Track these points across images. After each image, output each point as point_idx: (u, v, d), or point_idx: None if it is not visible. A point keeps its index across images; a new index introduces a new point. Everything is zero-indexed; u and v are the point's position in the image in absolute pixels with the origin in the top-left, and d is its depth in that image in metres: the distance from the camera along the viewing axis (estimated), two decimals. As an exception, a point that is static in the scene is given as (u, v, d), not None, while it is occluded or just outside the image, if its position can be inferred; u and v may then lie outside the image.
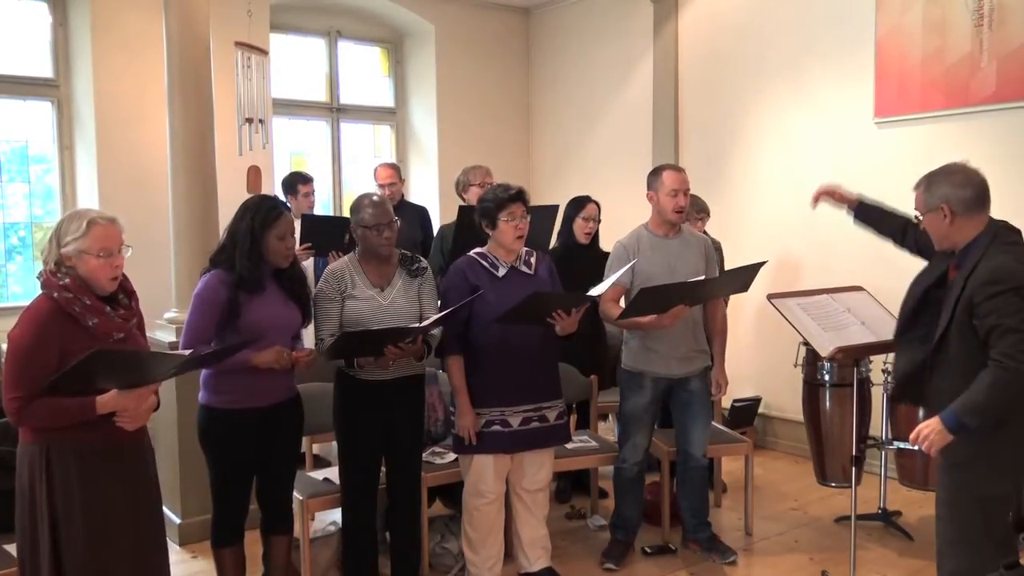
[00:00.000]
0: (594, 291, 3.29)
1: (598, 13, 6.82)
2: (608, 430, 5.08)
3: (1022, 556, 2.90)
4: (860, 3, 5.03)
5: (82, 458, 2.44)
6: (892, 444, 4.06)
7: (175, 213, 4.14)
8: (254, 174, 5.70)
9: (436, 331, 3.28)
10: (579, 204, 4.56)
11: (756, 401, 5.50)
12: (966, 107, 4.62)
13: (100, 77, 5.46)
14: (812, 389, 4.30)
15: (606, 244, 4.29)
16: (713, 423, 4.14)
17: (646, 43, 6.37)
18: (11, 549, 2.72)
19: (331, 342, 3.10)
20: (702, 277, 3.65)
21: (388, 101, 7.32)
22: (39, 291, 2.47)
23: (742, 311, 5.12)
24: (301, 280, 3.18)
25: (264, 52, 5.55)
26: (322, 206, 6.79)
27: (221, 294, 2.94)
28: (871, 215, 3.16)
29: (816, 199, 3.31)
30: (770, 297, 3.41)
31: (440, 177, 6.91)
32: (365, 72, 7.20)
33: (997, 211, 2.73)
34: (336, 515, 3.57)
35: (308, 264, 4.49)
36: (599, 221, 4.59)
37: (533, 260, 3.46)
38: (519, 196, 3.33)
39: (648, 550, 3.98)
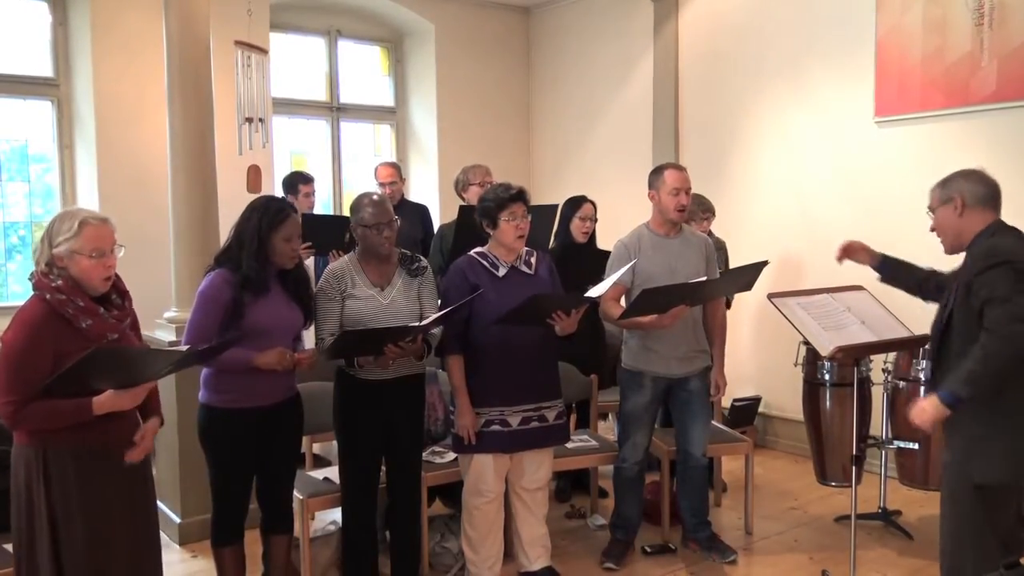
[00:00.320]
0: (594, 291, 3.29)
1: (598, 13, 6.82)
2: (608, 429, 5.08)
3: None
4: (860, 3, 5.03)
5: (79, 459, 2.43)
6: (892, 443, 4.06)
7: (175, 212, 4.14)
8: (254, 173, 5.70)
9: (436, 330, 3.28)
10: (575, 204, 4.55)
11: (756, 400, 5.50)
12: (966, 106, 4.62)
13: (100, 77, 5.46)
14: (812, 388, 4.31)
15: (605, 243, 4.29)
16: (713, 422, 4.14)
17: (646, 43, 6.37)
18: (7, 548, 2.72)
19: (331, 341, 3.10)
20: (703, 278, 3.64)
21: (388, 100, 7.32)
22: (32, 293, 2.45)
23: (742, 311, 5.13)
24: (305, 281, 3.17)
25: (264, 51, 5.55)
26: (322, 205, 6.78)
27: (225, 293, 2.93)
28: (895, 272, 3.18)
29: (841, 256, 3.30)
30: (770, 296, 3.41)
31: (440, 176, 6.91)
32: (365, 71, 7.20)
33: (997, 210, 2.74)
34: (336, 514, 3.57)
35: (308, 263, 4.49)
36: (596, 220, 4.59)
37: (533, 260, 3.46)
38: (520, 196, 3.33)
39: (648, 549, 3.98)
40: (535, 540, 3.56)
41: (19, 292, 5.54)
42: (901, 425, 4.12)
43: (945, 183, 2.81)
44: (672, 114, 6.21)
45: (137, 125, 5.55)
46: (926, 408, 2.67)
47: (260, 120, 5.38)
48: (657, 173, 3.78)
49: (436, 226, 5.29)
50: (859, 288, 3.62)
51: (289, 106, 6.67)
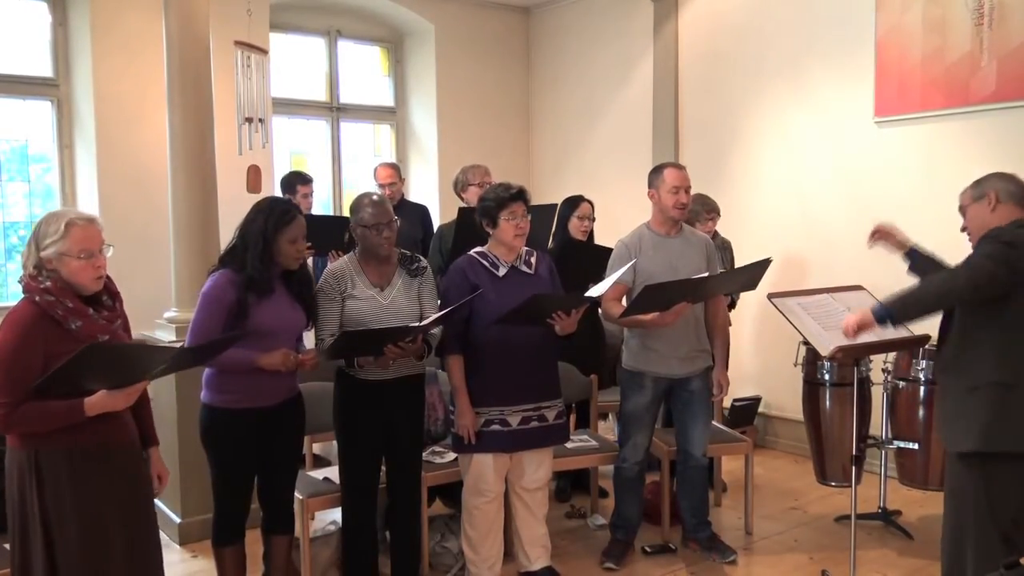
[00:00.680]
0: (594, 291, 3.29)
1: (598, 13, 6.82)
2: (608, 429, 5.08)
3: None
4: (860, 3, 5.03)
5: (72, 461, 2.40)
6: (892, 443, 4.06)
7: (175, 212, 4.14)
8: (254, 174, 5.70)
9: (436, 330, 3.28)
10: (573, 203, 4.55)
11: (756, 400, 5.50)
12: (966, 106, 4.62)
13: (100, 77, 5.47)
14: (812, 388, 4.31)
15: (604, 242, 4.29)
16: (713, 422, 4.14)
17: (646, 43, 6.37)
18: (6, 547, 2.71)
19: (331, 342, 3.10)
20: (705, 274, 3.64)
21: (388, 100, 7.32)
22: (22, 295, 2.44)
23: (742, 311, 5.12)
24: (308, 282, 3.17)
25: (264, 51, 5.55)
26: (322, 206, 6.79)
27: (229, 294, 2.93)
28: (922, 263, 3.23)
29: (872, 238, 3.34)
30: (770, 296, 3.41)
31: (440, 177, 6.90)
32: (365, 71, 7.21)
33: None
34: (336, 514, 3.57)
35: (307, 263, 4.49)
36: (594, 219, 4.59)
37: (533, 260, 3.46)
38: (520, 195, 3.33)
39: (648, 549, 3.98)
40: (535, 540, 3.56)
41: (18, 292, 5.51)
42: (901, 425, 4.12)
43: (979, 182, 2.89)
44: (672, 114, 6.21)
45: (137, 125, 5.55)
46: (853, 318, 2.90)
47: (260, 120, 5.37)
48: (657, 172, 3.78)
49: (436, 226, 5.29)
50: (859, 288, 3.62)
51: (289, 106, 6.67)
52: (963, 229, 2.94)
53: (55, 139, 5.65)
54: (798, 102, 5.44)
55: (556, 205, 4.60)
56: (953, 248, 3.15)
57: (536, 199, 4.10)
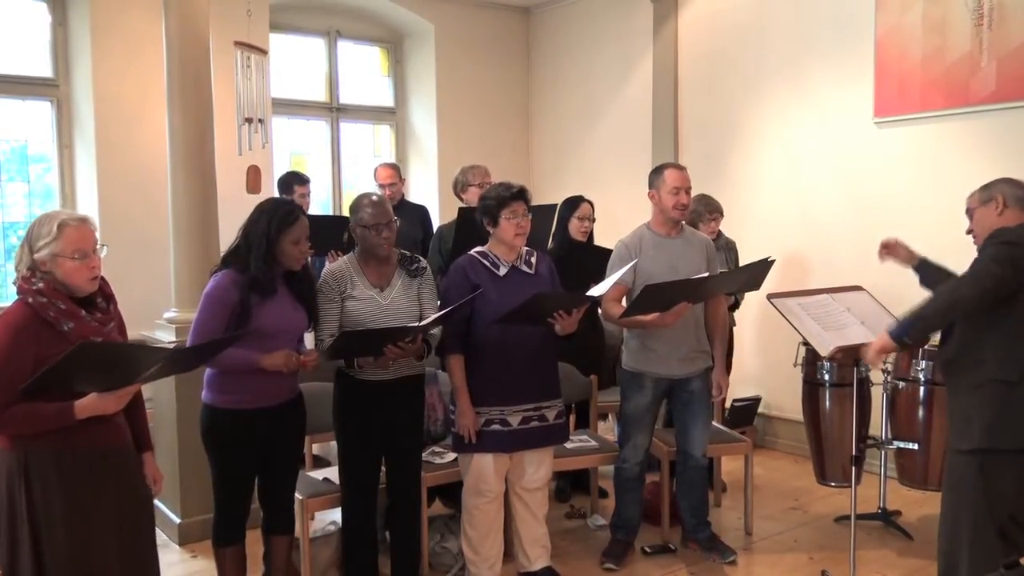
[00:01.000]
0: (595, 291, 3.29)
1: (598, 13, 6.82)
2: (608, 430, 5.08)
3: None
4: (860, 3, 5.03)
5: (62, 463, 2.38)
6: (892, 444, 4.06)
7: (175, 213, 4.13)
8: (254, 174, 5.70)
9: (436, 331, 3.28)
10: (573, 204, 4.55)
11: (756, 401, 5.50)
12: (966, 107, 4.62)
13: (100, 77, 5.47)
14: (812, 389, 4.31)
15: (605, 243, 4.29)
16: (713, 423, 4.14)
17: (646, 43, 6.37)
18: None
19: (331, 342, 3.10)
20: (705, 274, 3.64)
21: (388, 101, 7.32)
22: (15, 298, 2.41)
23: (743, 311, 5.12)
24: (310, 283, 3.17)
25: (264, 52, 5.55)
26: (321, 206, 6.79)
27: (232, 294, 2.93)
28: (933, 275, 3.23)
29: (881, 254, 3.34)
30: (770, 297, 3.42)
31: (440, 177, 6.90)
32: (365, 72, 7.21)
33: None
34: (336, 515, 3.57)
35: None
36: (594, 220, 4.59)
37: (534, 260, 3.47)
38: (521, 194, 3.33)
39: (648, 550, 3.98)
40: (535, 540, 3.56)
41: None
42: (901, 425, 4.12)
43: (987, 186, 2.91)
44: (672, 114, 6.21)
45: (137, 125, 5.55)
46: (874, 342, 2.89)
47: (260, 120, 5.38)
48: (657, 172, 3.78)
49: (436, 227, 5.29)
50: (859, 288, 3.62)
51: (289, 106, 6.67)
52: (969, 231, 2.95)
53: (55, 139, 5.65)
54: (798, 102, 5.44)
55: (556, 205, 4.60)
56: (953, 248, 3.15)
57: (536, 199, 4.10)
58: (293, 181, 5.21)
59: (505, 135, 7.35)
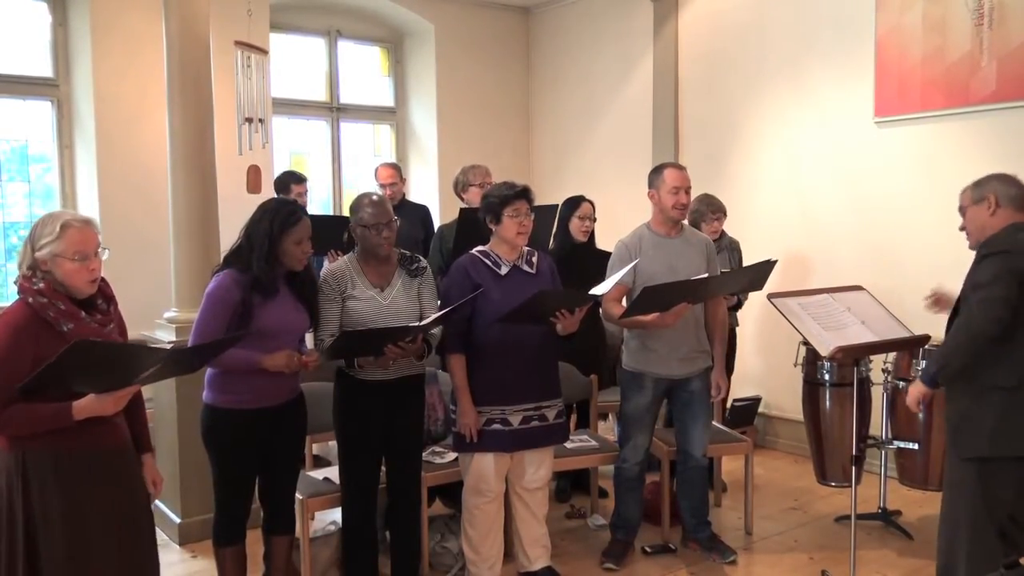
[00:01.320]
0: (596, 290, 3.29)
1: (598, 13, 6.82)
2: (608, 429, 5.08)
3: None
4: (860, 3, 5.03)
5: (59, 463, 2.37)
6: (892, 444, 4.06)
7: (175, 213, 4.13)
8: (254, 174, 5.70)
9: (436, 330, 3.28)
10: (574, 204, 4.55)
11: (756, 400, 5.50)
12: (966, 106, 4.62)
13: (100, 77, 5.46)
14: (812, 388, 4.31)
15: (605, 243, 4.29)
16: (713, 423, 4.14)
17: (646, 43, 6.37)
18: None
19: (331, 342, 3.10)
20: (705, 275, 3.64)
21: (388, 101, 7.32)
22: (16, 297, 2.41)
23: (743, 310, 5.12)
24: (312, 283, 3.17)
25: (264, 51, 5.55)
26: (321, 206, 6.79)
27: (234, 294, 2.93)
28: None
29: (933, 306, 3.33)
30: (770, 297, 3.41)
31: (440, 177, 6.90)
32: (365, 72, 7.20)
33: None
34: (336, 515, 3.57)
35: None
36: (595, 220, 4.58)
37: (535, 259, 3.47)
38: (525, 193, 3.34)
39: (648, 549, 3.98)
40: (535, 540, 3.56)
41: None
42: (901, 425, 4.12)
43: (979, 184, 2.89)
44: (672, 114, 6.21)
45: (137, 125, 5.55)
46: (911, 390, 2.92)
47: (260, 120, 5.37)
48: (657, 172, 3.78)
49: (437, 226, 5.29)
50: (859, 288, 3.62)
51: (289, 106, 6.67)
52: (961, 228, 2.95)
53: (55, 139, 5.64)
54: (798, 102, 5.44)
55: (557, 206, 4.60)
56: (952, 248, 3.15)
57: (536, 199, 4.10)
58: (290, 180, 5.20)
59: (505, 135, 7.35)
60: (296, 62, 6.75)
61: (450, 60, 7.05)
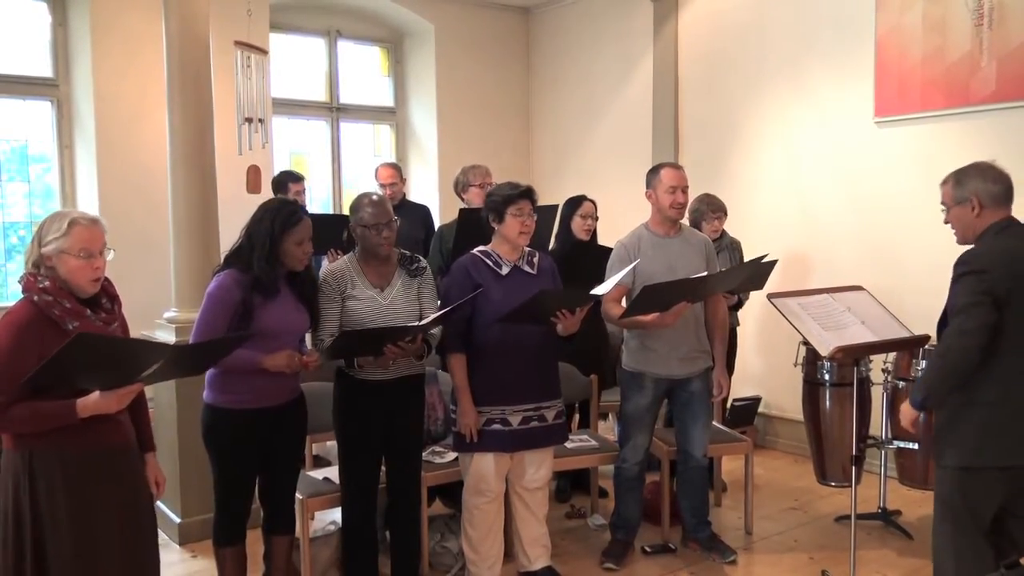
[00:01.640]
0: (597, 291, 3.28)
1: (598, 13, 6.82)
2: (608, 429, 5.08)
3: None
4: (860, 3, 5.03)
5: (65, 462, 2.38)
6: (892, 443, 4.06)
7: (175, 212, 4.13)
8: (254, 174, 5.70)
9: (436, 330, 3.28)
10: (575, 203, 4.55)
11: (756, 400, 5.50)
12: (966, 106, 4.62)
13: (100, 77, 5.47)
14: (812, 388, 4.31)
15: (606, 243, 4.29)
16: (713, 422, 4.14)
17: (646, 43, 6.37)
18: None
19: (331, 342, 3.10)
20: (704, 274, 3.64)
21: (388, 101, 7.32)
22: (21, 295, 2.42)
23: (743, 310, 5.12)
24: (313, 284, 3.17)
25: (264, 52, 5.55)
26: (321, 205, 6.79)
27: (235, 294, 2.93)
28: None
29: None
30: (770, 297, 3.41)
31: (440, 177, 6.91)
32: (365, 72, 7.21)
33: (997, 209, 2.76)
34: (336, 514, 3.57)
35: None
36: (597, 218, 4.58)
37: (536, 260, 3.47)
38: (528, 193, 3.34)
39: (648, 549, 3.98)
40: (535, 540, 3.56)
41: (18, 292, 5.52)
42: (901, 425, 4.11)
43: (960, 181, 2.83)
44: (672, 114, 6.21)
45: (137, 125, 5.55)
46: (903, 410, 2.89)
47: (260, 120, 5.37)
48: (654, 172, 3.78)
49: (437, 226, 5.28)
50: (859, 288, 3.62)
51: (289, 106, 6.67)
52: (947, 222, 2.92)
53: (55, 139, 5.65)
54: (798, 102, 5.44)
55: (557, 206, 4.60)
56: (952, 248, 3.14)
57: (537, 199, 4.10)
58: (287, 180, 5.20)
59: (505, 135, 7.35)
60: (296, 62, 6.76)
61: (450, 60, 7.05)
